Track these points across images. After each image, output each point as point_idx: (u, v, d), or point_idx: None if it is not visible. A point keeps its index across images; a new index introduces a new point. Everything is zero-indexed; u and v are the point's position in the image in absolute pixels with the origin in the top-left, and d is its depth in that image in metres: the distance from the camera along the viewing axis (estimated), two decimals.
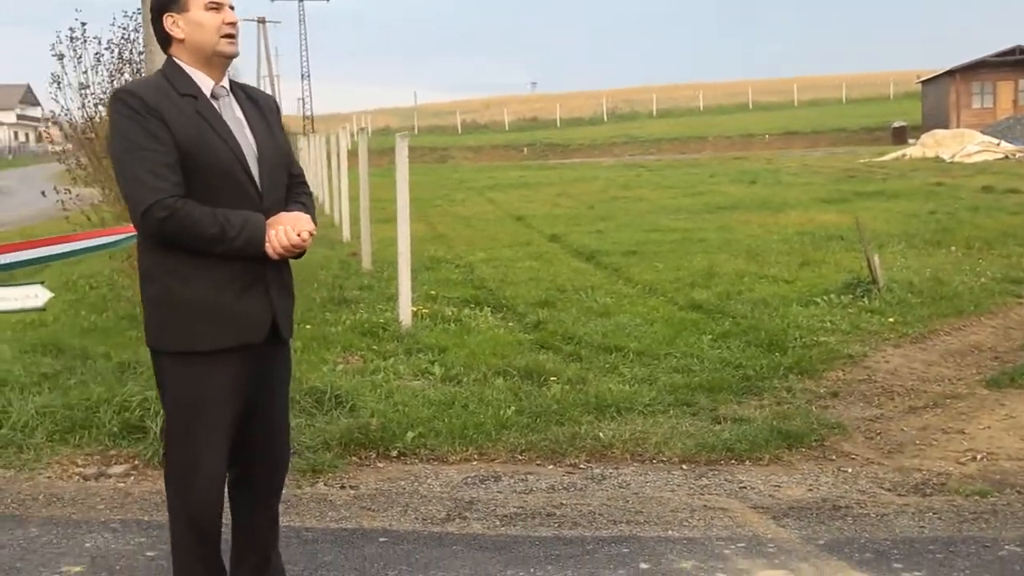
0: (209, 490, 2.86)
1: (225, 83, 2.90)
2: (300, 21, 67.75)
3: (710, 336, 7.54)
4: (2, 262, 4.89)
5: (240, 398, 2.87)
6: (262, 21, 69.07)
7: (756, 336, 7.41)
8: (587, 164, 39.60)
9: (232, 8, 2.87)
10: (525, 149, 52.53)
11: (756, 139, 50.74)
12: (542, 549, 3.82)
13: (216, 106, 2.83)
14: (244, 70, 75.57)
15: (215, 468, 2.86)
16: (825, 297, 8.72)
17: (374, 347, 7.49)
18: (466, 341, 7.55)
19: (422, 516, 4.21)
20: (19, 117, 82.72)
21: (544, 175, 32.27)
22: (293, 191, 3.03)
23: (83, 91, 7.24)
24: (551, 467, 4.98)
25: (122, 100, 2.73)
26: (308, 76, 68.74)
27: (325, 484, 4.66)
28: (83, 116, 7.42)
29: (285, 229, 2.78)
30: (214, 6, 2.81)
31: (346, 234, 15.28)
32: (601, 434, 5.31)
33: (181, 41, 2.83)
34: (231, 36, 2.84)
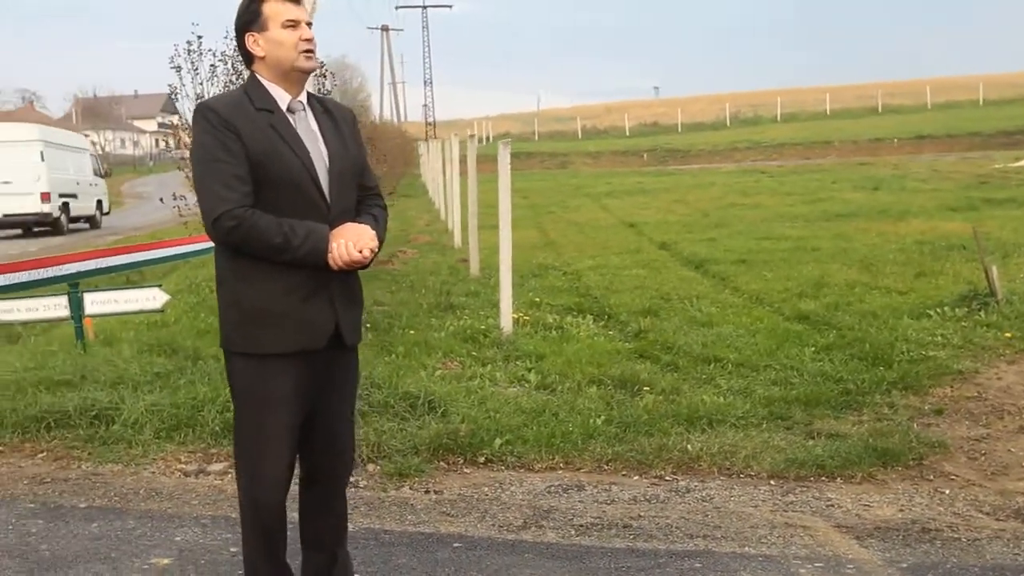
0: (271, 488, 2.98)
1: (303, 97, 3.02)
2: (423, 28, 68.92)
3: (813, 348, 7.36)
4: (114, 264, 5.17)
5: (302, 400, 2.98)
6: (385, 29, 70.56)
7: (861, 349, 7.20)
8: (706, 170, 39.07)
9: (310, 25, 2.99)
10: (645, 155, 52.16)
11: (884, 144, 49.07)
12: (613, 561, 3.82)
13: (291, 119, 2.95)
14: (370, 77, 77.29)
15: (277, 466, 2.97)
16: (938, 310, 8.40)
17: (474, 353, 7.58)
18: (564, 349, 7.58)
19: (499, 523, 4.25)
20: (160, 125, 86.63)
21: (661, 181, 32.01)
22: (365, 203, 3.13)
23: (199, 101, 7.57)
24: (636, 478, 4.96)
25: (201, 114, 2.88)
26: (431, 82, 69.88)
27: (410, 488, 4.75)
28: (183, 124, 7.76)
29: (347, 244, 2.87)
30: (291, 24, 2.93)
31: (457, 240, 15.48)
32: (689, 446, 5.26)
33: (262, 58, 2.96)
34: (309, 52, 2.96)
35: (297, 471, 3.14)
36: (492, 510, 4.41)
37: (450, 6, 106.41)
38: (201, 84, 7.18)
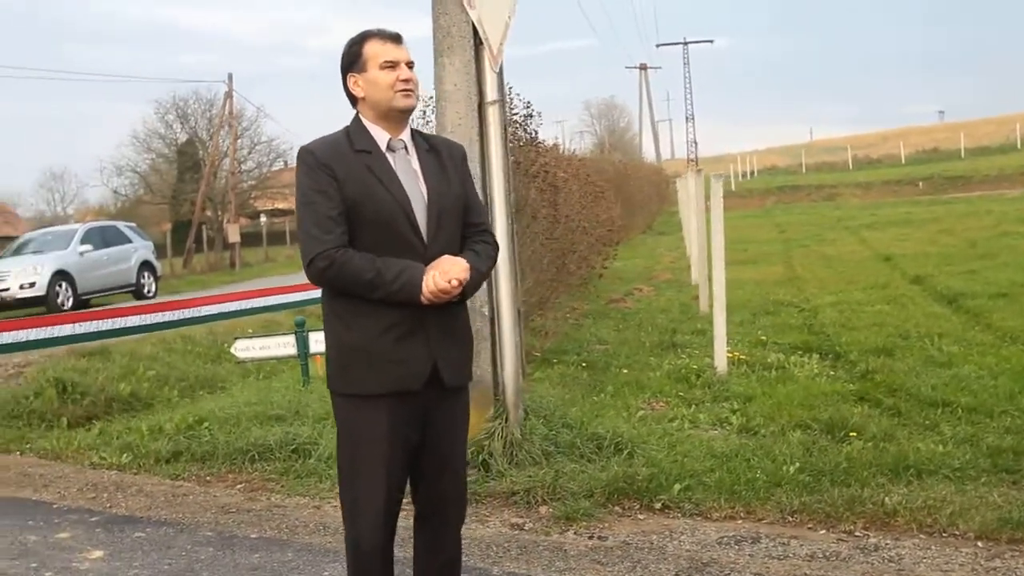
0: (370, 529, 2.97)
1: (404, 135, 3.04)
2: (684, 64, 68.46)
3: None
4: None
5: (399, 441, 2.95)
6: (643, 68, 70.77)
7: None
8: (987, 197, 36.01)
9: (410, 65, 3.02)
10: (920, 183, 48.87)
11: None
12: None
13: (390, 159, 2.98)
14: (635, 115, 77.90)
15: (373, 507, 2.96)
16: None
17: (682, 394, 7.37)
18: (776, 391, 7.18)
19: (648, 574, 4.03)
20: None
21: (931, 211, 29.86)
22: (471, 239, 3.09)
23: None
24: (822, 532, 4.57)
25: (301, 156, 2.98)
26: (692, 118, 69.42)
27: (574, 533, 4.62)
28: None
29: (434, 275, 2.84)
30: (390, 65, 2.97)
31: (695, 276, 15.12)
32: (888, 499, 4.77)
33: (362, 99, 3.02)
34: (406, 91, 2.98)
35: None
36: (646, 560, 4.19)
37: (711, 41, 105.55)
38: None
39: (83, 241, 20.35)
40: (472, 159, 5.64)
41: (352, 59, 3.02)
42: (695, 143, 74.53)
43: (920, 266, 14.85)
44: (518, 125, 8.31)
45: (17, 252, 20.71)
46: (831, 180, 54.81)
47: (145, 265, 21.81)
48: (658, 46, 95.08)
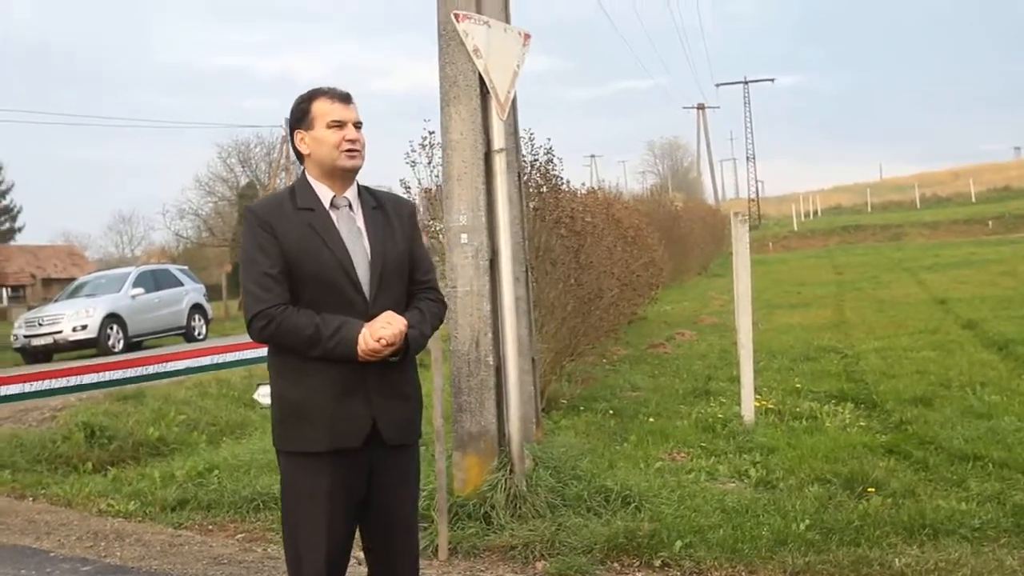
0: None
1: (350, 193, 3.06)
2: (744, 103, 67.95)
3: None
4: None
5: (342, 499, 2.94)
6: (701, 108, 70.54)
7: None
8: None
9: (357, 125, 3.05)
10: (990, 222, 47.78)
11: None
12: None
13: (333, 216, 3.00)
14: (694, 154, 77.55)
15: (316, 565, 2.94)
16: None
17: (706, 444, 7.25)
18: (801, 442, 7.02)
19: None
20: None
21: (997, 251, 29.11)
22: (417, 296, 3.10)
23: (426, 194, 7.95)
24: None
25: (245, 215, 3.03)
26: (753, 158, 68.67)
27: None
28: (428, 216, 8.13)
29: (364, 335, 2.84)
30: (336, 124, 3.01)
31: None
32: (897, 560, 4.62)
33: (308, 156, 3.05)
34: (351, 151, 3.01)
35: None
36: None
37: (772, 80, 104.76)
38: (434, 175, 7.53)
39: (135, 284, 20.81)
40: (479, 208, 5.68)
41: (300, 116, 3.05)
42: (757, 182, 74.03)
43: (975, 310, 14.47)
44: (537, 171, 8.33)
45: (72, 295, 21.25)
46: (897, 219, 53.87)
47: (196, 308, 22.20)
48: (718, 86, 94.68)
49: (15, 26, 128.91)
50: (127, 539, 5.52)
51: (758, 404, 8.06)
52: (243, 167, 48.64)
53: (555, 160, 8.61)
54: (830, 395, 8.88)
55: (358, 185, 3.11)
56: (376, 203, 3.10)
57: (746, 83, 70.43)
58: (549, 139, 8.71)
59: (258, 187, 47.44)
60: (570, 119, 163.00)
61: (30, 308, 31.35)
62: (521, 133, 7.24)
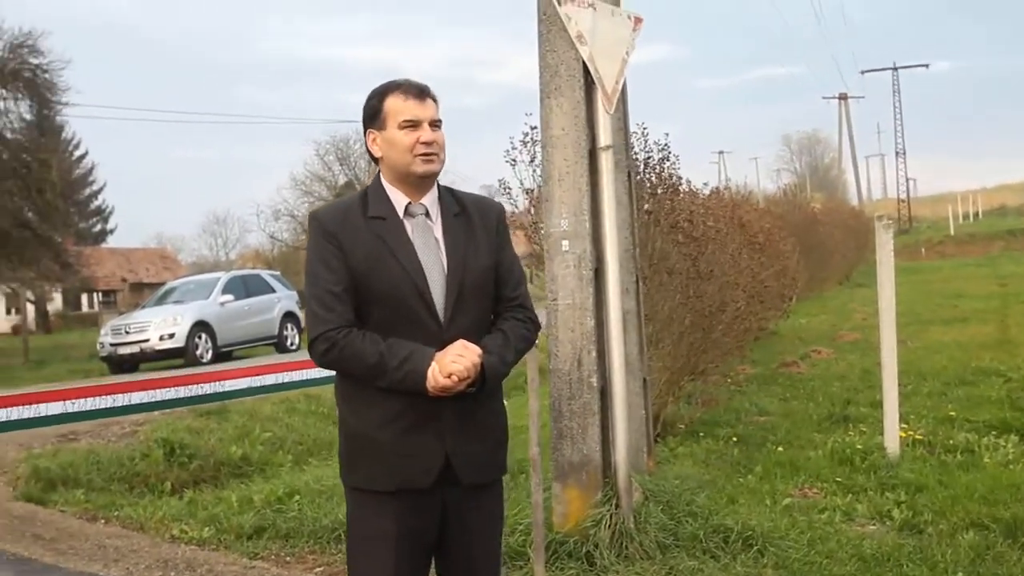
0: None
1: (428, 199, 2.97)
2: (894, 92, 66.10)
3: None
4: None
5: (408, 544, 2.87)
6: (843, 98, 68.90)
7: None
8: None
9: (435, 124, 2.95)
10: None
11: None
12: None
13: (408, 226, 2.92)
14: (835, 149, 75.97)
15: None
16: None
17: (842, 479, 7.01)
18: (955, 480, 6.70)
19: None
20: None
21: None
22: (503, 316, 3.00)
23: (528, 193, 7.87)
24: None
25: (309, 223, 2.98)
26: (904, 153, 66.74)
27: None
28: (529, 219, 8.05)
29: (433, 369, 2.76)
30: (410, 124, 2.92)
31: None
32: None
33: (381, 159, 2.98)
34: (427, 156, 2.91)
35: None
36: None
37: (926, 66, 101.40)
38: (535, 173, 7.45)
39: (224, 291, 21.34)
40: (582, 211, 5.58)
41: (371, 113, 2.99)
42: (908, 181, 71.93)
43: None
44: (652, 170, 8.18)
45: (160, 301, 21.94)
46: None
47: (288, 316, 22.55)
48: (863, 73, 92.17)
49: (109, 15, 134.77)
50: (198, 569, 5.59)
51: (904, 434, 7.76)
52: (341, 165, 49.64)
53: (672, 157, 8.44)
54: (990, 425, 8.47)
55: (439, 187, 3.03)
56: (459, 208, 3.01)
57: (895, 69, 68.62)
58: (667, 134, 8.56)
59: (357, 186, 48.36)
60: (694, 112, 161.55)
61: (121, 314, 32.62)
62: (633, 128, 7.10)
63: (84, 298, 55.48)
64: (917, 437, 7.89)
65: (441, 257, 2.91)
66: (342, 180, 49.55)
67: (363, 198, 2.98)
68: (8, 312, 45.76)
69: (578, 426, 5.56)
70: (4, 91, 26.41)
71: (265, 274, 24.79)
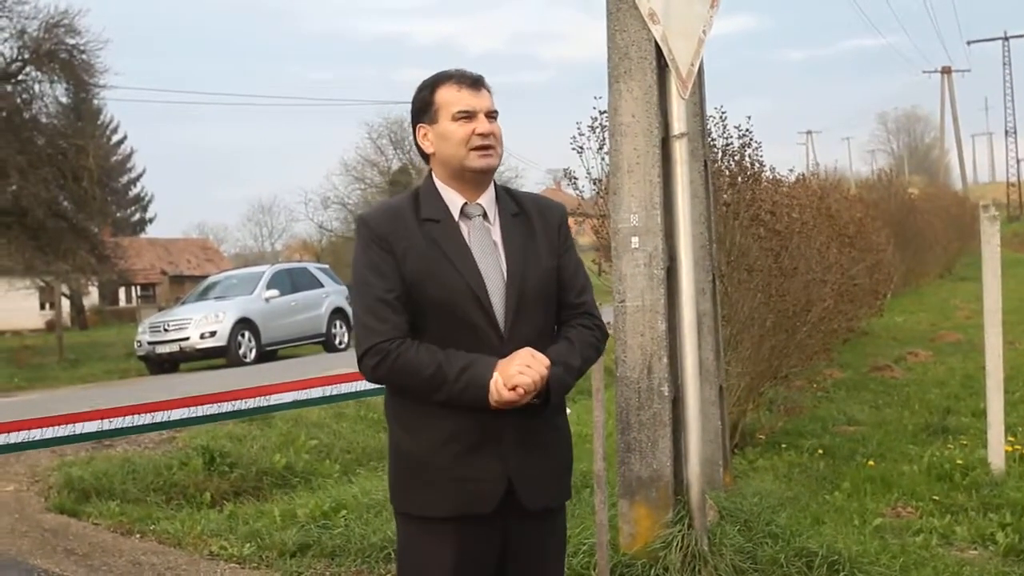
0: None
1: (485, 198, 2.98)
2: (1004, 64, 64.83)
3: None
4: None
5: (468, 574, 2.88)
6: (947, 71, 67.71)
7: None
8: None
9: (491, 117, 2.95)
10: None
11: None
12: None
13: (464, 228, 2.93)
14: (950, 129, 74.81)
15: None
16: None
17: (940, 497, 6.92)
18: None
19: None
20: None
21: None
22: (567, 324, 3.00)
23: (596, 183, 7.86)
24: None
25: (357, 227, 2.98)
26: (1015, 132, 65.55)
27: None
28: (597, 211, 8.04)
29: (497, 381, 2.75)
30: (464, 116, 2.91)
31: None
32: None
33: (433, 155, 2.98)
34: (483, 148, 2.91)
35: None
36: None
37: None
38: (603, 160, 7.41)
39: (269, 286, 21.49)
40: (653, 206, 5.56)
41: (422, 107, 2.99)
42: (1019, 163, 70.42)
43: None
44: (731, 157, 8.13)
45: (201, 297, 22.23)
46: None
47: (337, 312, 22.60)
48: (969, 43, 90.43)
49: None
50: None
51: (1010, 448, 7.66)
52: (395, 149, 50.01)
53: (754, 143, 8.37)
54: None
55: (496, 187, 3.03)
56: (518, 208, 3.01)
57: (1007, 39, 67.23)
58: (749, 117, 8.48)
59: (412, 172, 48.67)
60: (779, 88, 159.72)
61: (160, 309, 33.13)
62: (710, 112, 7.07)
63: (121, 292, 56.49)
64: None
65: (500, 262, 2.91)
66: (396, 165, 49.93)
67: (414, 199, 2.98)
68: (42, 307, 46.72)
69: (647, 438, 5.54)
70: (39, 73, 26.92)
71: (313, 267, 24.94)
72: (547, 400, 2.85)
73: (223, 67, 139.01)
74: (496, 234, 2.96)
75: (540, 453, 2.93)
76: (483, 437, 2.85)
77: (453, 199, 2.96)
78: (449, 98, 2.94)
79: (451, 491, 2.85)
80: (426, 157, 3.03)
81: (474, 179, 2.96)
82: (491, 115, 2.96)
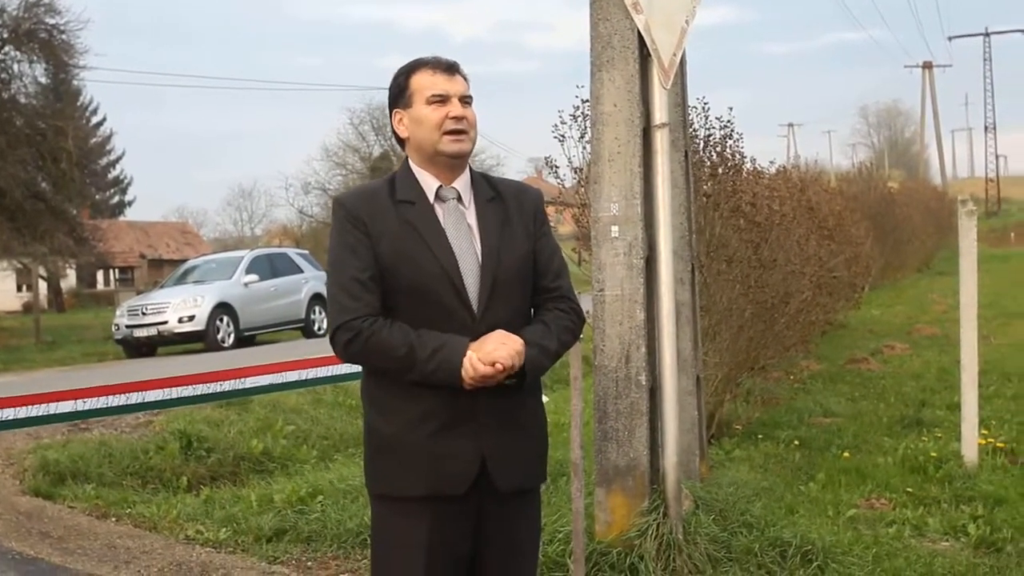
0: None
1: (460, 182, 3.01)
2: (984, 60, 65.14)
3: None
4: None
5: (440, 555, 2.90)
6: (928, 66, 68.00)
7: None
8: None
9: (465, 101, 2.98)
10: None
11: None
12: None
13: (439, 211, 2.96)
14: (917, 122, 75.21)
15: None
16: None
17: (913, 489, 6.99)
18: None
19: None
20: None
21: None
22: (542, 308, 3.02)
23: (577, 172, 7.86)
24: None
25: (333, 208, 3.02)
26: (994, 128, 65.85)
27: None
28: (578, 200, 8.05)
29: (472, 356, 2.78)
30: (437, 100, 2.95)
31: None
32: None
33: (408, 139, 3.02)
34: (456, 132, 2.94)
35: None
36: None
37: (1022, 31, 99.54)
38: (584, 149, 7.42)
39: (248, 270, 21.40)
40: (633, 195, 5.57)
41: (397, 92, 3.03)
42: (998, 158, 70.86)
43: None
44: (712, 148, 8.14)
45: (179, 281, 22.16)
46: None
47: (317, 298, 22.38)
48: (950, 39, 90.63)
49: None
50: (214, 573, 5.65)
51: (984, 441, 7.74)
52: (377, 135, 49.72)
53: (736, 135, 8.39)
54: None
55: (472, 172, 3.06)
56: (494, 193, 3.04)
57: (987, 35, 67.57)
58: (731, 108, 8.50)
59: (393, 158, 48.49)
60: (761, 81, 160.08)
61: (138, 293, 32.96)
62: (692, 103, 7.06)
63: (100, 275, 56.24)
64: (998, 445, 7.89)
65: (475, 244, 2.94)
66: (377, 151, 49.74)
67: (391, 182, 3.02)
68: (19, 289, 46.44)
69: (624, 427, 5.56)
70: (18, 53, 26.68)
71: (292, 252, 24.91)
72: (522, 380, 2.88)
73: (207, 52, 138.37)
74: (471, 218, 2.99)
75: (514, 434, 2.96)
76: (457, 416, 2.87)
77: (428, 182, 2.99)
78: (423, 83, 2.98)
79: (424, 470, 2.87)
80: (402, 143, 3.07)
81: (448, 163, 2.99)
82: (465, 100, 2.99)
